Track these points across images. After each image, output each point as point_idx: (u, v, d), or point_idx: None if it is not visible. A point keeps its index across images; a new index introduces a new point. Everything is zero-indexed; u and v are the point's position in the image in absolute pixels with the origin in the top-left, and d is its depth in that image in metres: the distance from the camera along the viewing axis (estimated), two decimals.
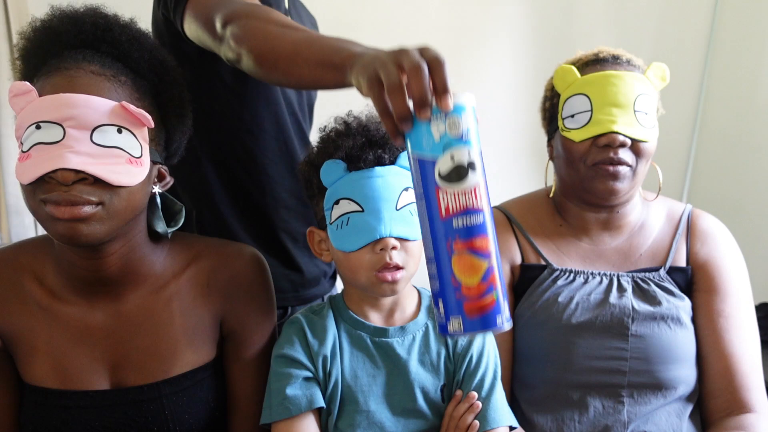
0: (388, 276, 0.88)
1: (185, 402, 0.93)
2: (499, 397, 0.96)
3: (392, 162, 0.90)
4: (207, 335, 0.97)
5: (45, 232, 0.87)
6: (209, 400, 0.96)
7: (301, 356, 0.93)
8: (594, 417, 1.06)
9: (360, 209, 0.88)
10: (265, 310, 1.01)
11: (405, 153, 0.90)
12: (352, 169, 0.89)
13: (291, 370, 0.92)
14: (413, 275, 0.93)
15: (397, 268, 0.88)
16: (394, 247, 0.87)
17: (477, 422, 0.92)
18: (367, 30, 2.49)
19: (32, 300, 0.92)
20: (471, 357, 0.96)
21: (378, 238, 0.87)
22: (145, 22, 0.93)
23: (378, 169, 0.89)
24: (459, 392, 0.95)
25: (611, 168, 1.05)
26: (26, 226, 2.16)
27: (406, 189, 0.90)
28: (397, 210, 0.88)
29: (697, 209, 1.19)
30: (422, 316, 0.98)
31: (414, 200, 0.91)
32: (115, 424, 0.91)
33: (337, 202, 0.89)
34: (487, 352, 0.97)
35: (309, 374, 0.92)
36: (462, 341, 0.96)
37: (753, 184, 2.48)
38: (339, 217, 0.89)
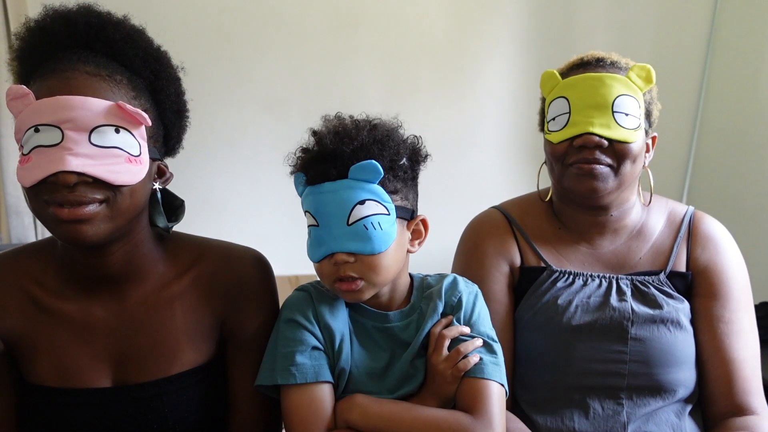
0: (344, 286, 0.90)
1: (185, 400, 0.93)
2: (500, 356, 0.96)
3: (341, 176, 0.88)
4: (208, 335, 0.97)
5: (44, 233, 0.87)
6: (209, 400, 0.96)
7: (312, 324, 0.93)
8: (593, 418, 1.06)
9: (316, 223, 0.89)
10: (268, 313, 1.01)
11: (355, 166, 0.87)
12: (309, 183, 0.90)
13: (301, 336, 0.92)
14: (382, 285, 0.92)
15: (355, 278, 0.89)
16: (345, 261, 0.88)
17: (478, 356, 0.92)
18: (366, 30, 2.49)
19: (33, 302, 0.92)
20: (462, 313, 0.97)
21: (329, 253, 0.88)
22: (137, 19, 0.92)
23: (327, 184, 0.88)
24: (450, 317, 0.96)
25: (586, 166, 1.04)
26: (26, 226, 2.17)
27: (362, 202, 0.87)
28: (348, 225, 0.87)
29: (699, 212, 1.18)
30: (415, 299, 0.98)
31: (375, 212, 0.88)
32: (116, 422, 0.91)
33: (305, 213, 0.92)
34: (480, 312, 0.99)
35: (318, 344, 0.92)
36: (452, 300, 0.97)
37: (753, 184, 2.48)
38: (308, 227, 0.92)
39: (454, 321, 0.96)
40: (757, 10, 2.45)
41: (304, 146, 0.93)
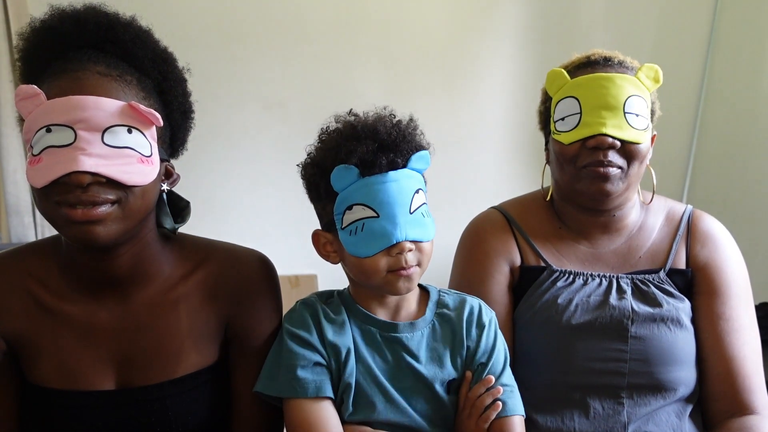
0: (403, 272, 0.89)
1: (189, 403, 0.93)
2: (514, 385, 0.98)
3: (404, 165, 0.90)
4: (212, 338, 0.97)
5: (44, 233, 0.87)
6: (212, 402, 0.96)
7: (315, 341, 0.92)
8: (594, 417, 1.06)
9: (375, 215, 0.88)
10: (272, 314, 1.00)
11: (416, 155, 0.90)
12: (366, 175, 0.88)
13: (304, 351, 0.92)
14: (425, 271, 0.94)
15: (411, 266, 0.90)
16: (410, 250, 0.89)
17: (499, 403, 0.93)
18: (366, 30, 2.49)
19: (37, 302, 0.91)
20: (482, 351, 0.97)
21: (394, 242, 0.88)
22: (145, 20, 0.93)
23: (392, 173, 0.88)
24: (469, 373, 0.96)
25: (601, 170, 1.04)
26: (26, 226, 2.17)
27: (417, 191, 0.90)
28: (410, 213, 0.89)
29: (698, 210, 1.19)
30: (429, 312, 0.98)
31: (424, 201, 0.91)
32: (119, 424, 0.91)
33: (350, 208, 0.89)
34: (498, 344, 0.98)
35: (321, 360, 0.92)
36: (472, 335, 0.97)
37: (753, 184, 2.49)
38: (352, 222, 0.89)
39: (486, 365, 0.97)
40: (757, 10, 2.46)
41: (352, 138, 0.90)
